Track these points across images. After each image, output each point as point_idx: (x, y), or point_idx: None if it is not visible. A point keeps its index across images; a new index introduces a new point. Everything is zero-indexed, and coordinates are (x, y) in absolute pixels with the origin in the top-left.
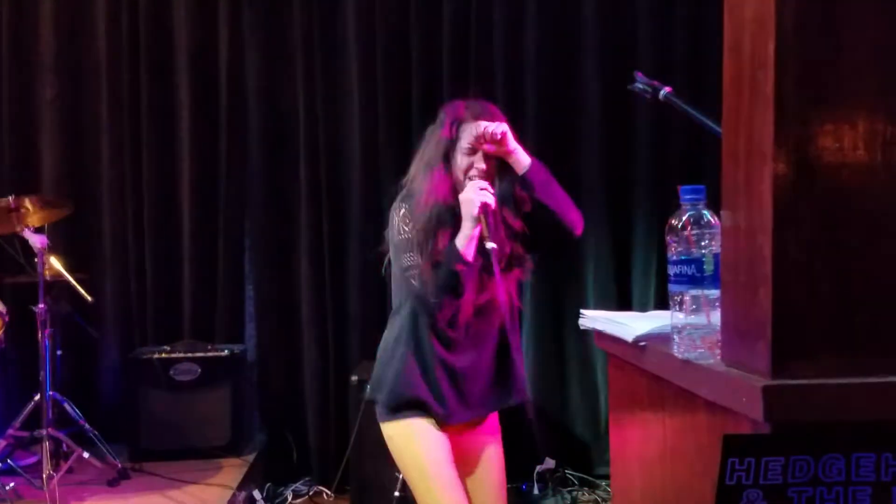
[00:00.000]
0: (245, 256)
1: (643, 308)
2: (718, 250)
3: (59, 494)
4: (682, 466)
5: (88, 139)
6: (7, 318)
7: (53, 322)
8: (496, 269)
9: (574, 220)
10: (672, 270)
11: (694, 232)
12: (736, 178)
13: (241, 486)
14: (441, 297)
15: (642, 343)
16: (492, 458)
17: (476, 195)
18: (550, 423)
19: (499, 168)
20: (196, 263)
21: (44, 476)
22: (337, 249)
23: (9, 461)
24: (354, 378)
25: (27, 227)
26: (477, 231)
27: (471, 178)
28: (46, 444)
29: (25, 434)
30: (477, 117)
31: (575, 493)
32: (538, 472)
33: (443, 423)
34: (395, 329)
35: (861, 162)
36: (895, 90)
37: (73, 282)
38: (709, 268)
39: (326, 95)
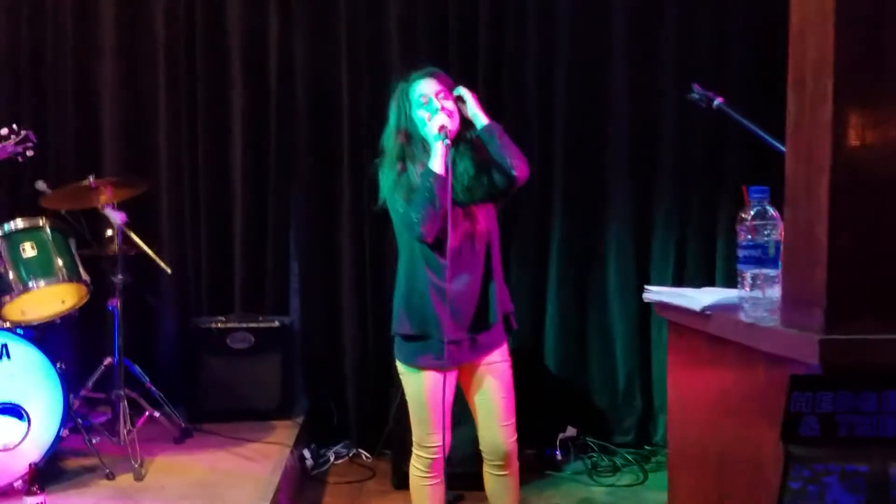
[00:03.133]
0: (290, 234)
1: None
2: (778, 238)
3: (132, 450)
4: (743, 408)
5: (147, 122)
6: (91, 288)
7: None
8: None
9: (516, 163)
10: (741, 253)
11: (760, 223)
12: (798, 183)
13: (295, 445)
14: (423, 211)
15: (708, 312)
16: (497, 383)
17: (432, 122)
18: (572, 394)
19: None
20: (246, 241)
21: (123, 432)
22: (376, 228)
23: (89, 418)
24: None
25: (107, 204)
26: (441, 148)
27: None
28: (124, 403)
29: (98, 395)
30: (418, 78)
31: (594, 458)
32: (560, 440)
33: (441, 352)
34: (399, 272)
35: None
36: None
37: (154, 255)
38: (771, 252)
39: (369, 81)
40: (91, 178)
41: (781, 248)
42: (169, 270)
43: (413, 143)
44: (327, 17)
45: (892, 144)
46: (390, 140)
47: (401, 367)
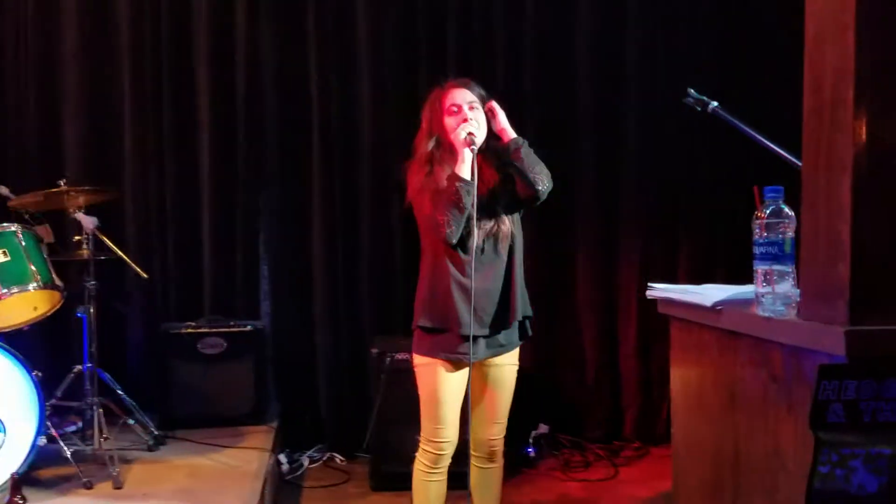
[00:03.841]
0: (260, 237)
1: (628, 288)
2: (792, 236)
3: (109, 458)
4: (759, 399)
5: (111, 124)
6: (65, 294)
7: (89, 298)
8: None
9: (539, 178)
10: (758, 250)
11: (775, 221)
12: (817, 182)
13: (271, 450)
14: (449, 214)
15: (719, 307)
16: (503, 383)
17: (461, 130)
18: (543, 392)
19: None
20: (215, 244)
21: (99, 439)
22: (349, 228)
23: (62, 427)
24: (375, 350)
25: (79, 208)
26: (468, 154)
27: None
28: (100, 411)
29: (68, 404)
30: (452, 87)
31: (567, 455)
32: (533, 437)
33: (460, 346)
34: (422, 268)
35: None
36: None
37: (128, 260)
38: (787, 248)
39: (338, 80)
40: (62, 183)
41: (797, 244)
42: (145, 275)
43: (442, 147)
44: (295, 17)
45: None
46: (421, 143)
47: (417, 358)
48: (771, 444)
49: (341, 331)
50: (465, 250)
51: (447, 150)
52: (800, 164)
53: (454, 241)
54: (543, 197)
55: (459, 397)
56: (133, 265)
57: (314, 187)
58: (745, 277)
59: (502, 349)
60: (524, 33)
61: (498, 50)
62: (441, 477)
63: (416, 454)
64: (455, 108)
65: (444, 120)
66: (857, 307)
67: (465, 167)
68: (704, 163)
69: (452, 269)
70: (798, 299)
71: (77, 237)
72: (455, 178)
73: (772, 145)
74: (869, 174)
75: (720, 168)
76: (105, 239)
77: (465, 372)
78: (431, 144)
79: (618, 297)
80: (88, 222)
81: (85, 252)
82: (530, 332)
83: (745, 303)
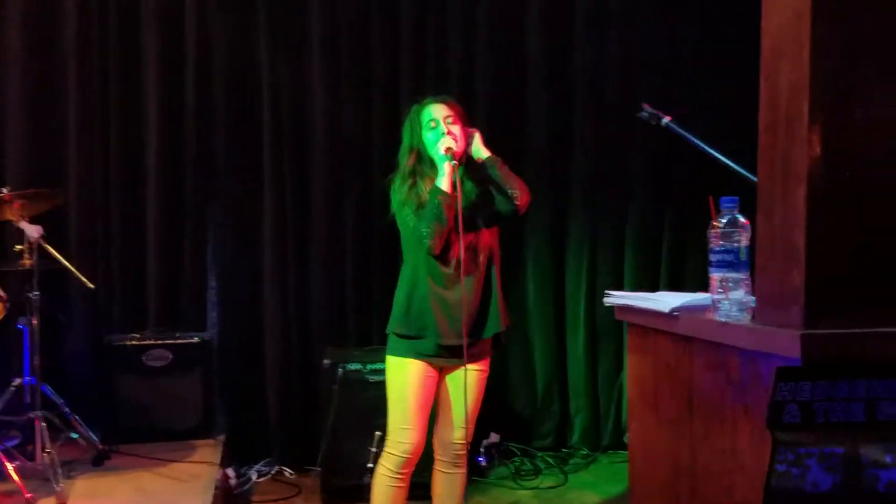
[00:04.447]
0: (208, 246)
1: (576, 297)
2: (746, 244)
3: (53, 473)
4: (716, 401)
5: (54, 126)
6: (8, 305)
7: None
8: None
9: (517, 193)
10: (714, 258)
11: (731, 230)
12: (773, 192)
13: (221, 463)
14: (431, 226)
15: (676, 314)
16: (473, 389)
17: (440, 145)
18: (494, 401)
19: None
20: (160, 253)
21: (42, 454)
22: (300, 236)
23: (3, 443)
24: (327, 361)
25: (22, 217)
26: (448, 168)
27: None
28: (43, 425)
29: (7, 418)
30: (429, 103)
31: (517, 463)
32: (484, 446)
33: (435, 351)
34: (402, 277)
35: (871, 181)
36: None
37: (73, 270)
38: (742, 256)
39: (291, 83)
40: (5, 190)
41: (753, 252)
42: (91, 285)
43: (423, 161)
44: (247, 20)
45: (863, 156)
46: (403, 157)
47: (391, 359)
48: (728, 444)
49: (291, 341)
50: (445, 261)
51: (428, 164)
52: (750, 176)
53: (437, 252)
54: (522, 211)
55: (428, 401)
56: (78, 275)
57: (264, 194)
58: (689, 288)
59: (476, 357)
60: (476, 32)
61: (452, 49)
62: (402, 484)
63: (380, 459)
64: (433, 124)
65: (422, 134)
66: (811, 312)
67: (446, 181)
68: (651, 173)
69: (431, 281)
70: (752, 305)
71: (19, 246)
72: (437, 191)
73: (723, 158)
74: (823, 185)
75: (667, 178)
76: (50, 248)
77: (435, 377)
78: (413, 159)
79: (565, 307)
80: (33, 231)
81: (27, 262)
82: (503, 341)
83: (701, 309)
